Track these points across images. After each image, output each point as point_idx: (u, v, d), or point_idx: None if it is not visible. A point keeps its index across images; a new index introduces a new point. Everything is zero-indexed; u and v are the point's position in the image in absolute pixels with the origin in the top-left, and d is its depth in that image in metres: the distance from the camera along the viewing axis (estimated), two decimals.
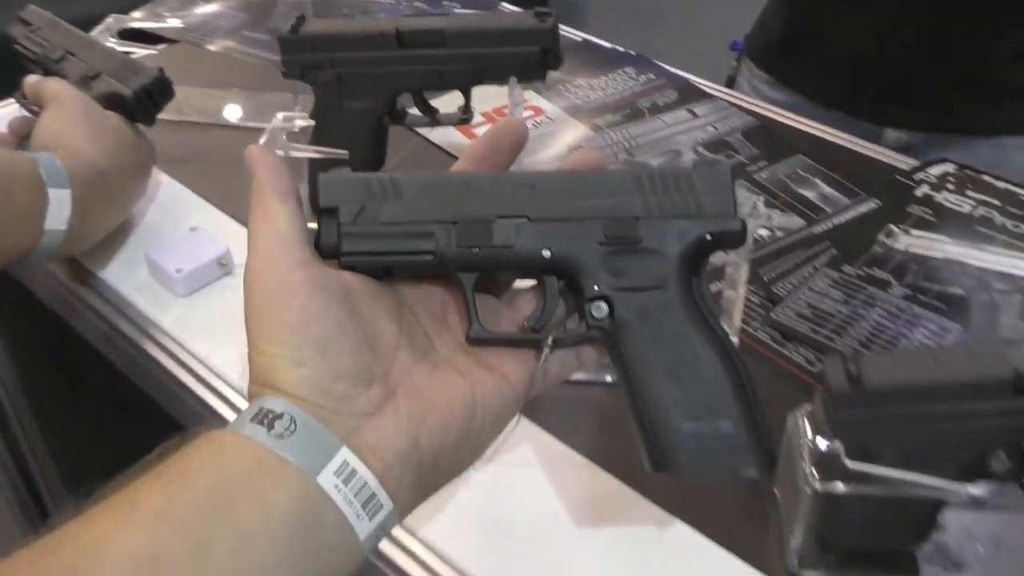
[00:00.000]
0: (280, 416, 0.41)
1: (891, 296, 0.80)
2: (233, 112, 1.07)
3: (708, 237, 0.48)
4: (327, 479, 0.40)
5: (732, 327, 0.74)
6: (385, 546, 0.64)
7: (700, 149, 1.00)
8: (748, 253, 0.73)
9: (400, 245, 0.47)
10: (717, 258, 0.80)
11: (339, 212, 0.46)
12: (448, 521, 0.65)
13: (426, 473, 0.44)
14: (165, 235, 0.88)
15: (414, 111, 0.87)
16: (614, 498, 0.66)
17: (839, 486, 0.57)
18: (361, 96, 0.84)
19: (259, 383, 0.42)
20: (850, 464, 0.57)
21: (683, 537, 0.63)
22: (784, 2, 1.19)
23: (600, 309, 0.48)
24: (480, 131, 1.03)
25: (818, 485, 0.57)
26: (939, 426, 0.54)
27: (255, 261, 0.44)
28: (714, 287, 0.81)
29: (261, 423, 0.41)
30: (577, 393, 0.73)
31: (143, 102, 0.87)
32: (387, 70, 0.82)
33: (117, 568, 0.36)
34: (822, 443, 0.58)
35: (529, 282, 0.51)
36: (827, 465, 0.58)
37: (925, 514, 0.60)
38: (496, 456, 0.69)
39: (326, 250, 0.46)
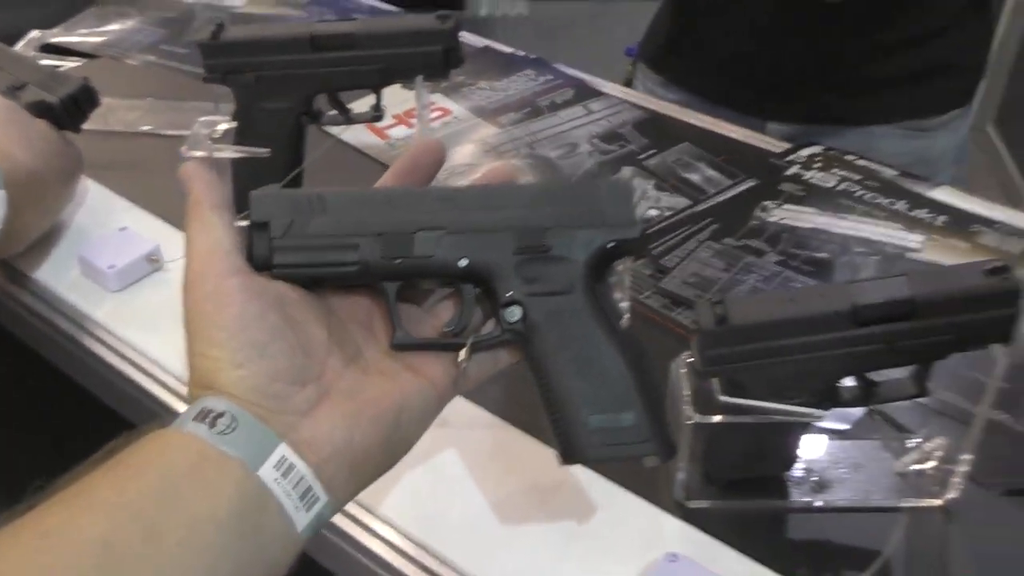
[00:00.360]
0: (221, 414, 0.43)
1: (766, 262, 0.90)
2: (156, 121, 1.12)
3: (610, 245, 0.52)
4: (267, 472, 0.43)
5: (624, 295, 0.82)
6: None
7: (595, 141, 1.09)
8: None
9: (328, 257, 0.50)
10: None
11: (270, 226, 0.49)
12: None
13: (359, 468, 0.47)
14: (95, 236, 0.93)
15: (330, 111, 0.93)
16: (520, 449, 0.74)
17: (714, 418, 0.66)
18: (279, 97, 0.90)
19: (199, 385, 0.45)
20: (723, 398, 0.66)
21: (584, 478, 0.71)
22: (670, 7, 1.29)
23: (514, 313, 0.51)
24: (392, 131, 1.10)
25: (696, 418, 0.65)
26: (794, 358, 0.63)
27: (192, 269, 0.47)
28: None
29: (203, 421, 0.43)
30: None
31: (70, 110, 0.92)
32: (303, 72, 0.88)
33: (74, 553, 0.39)
34: (698, 382, 0.67)
35: (448, 291, 0.55)
36: (704, 401, 0.67)
37: (791, 441, 0.69)
38: None
39: (258, 262, 0.49)
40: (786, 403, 0.65)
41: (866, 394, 0.66)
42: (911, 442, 0.72)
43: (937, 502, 0.69)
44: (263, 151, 0.91)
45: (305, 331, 0.48)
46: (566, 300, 0.52)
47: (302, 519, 0.44)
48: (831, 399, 0.66)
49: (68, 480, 0.42)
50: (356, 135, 1.08)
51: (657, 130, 1.11)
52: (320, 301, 0.50)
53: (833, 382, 0.65)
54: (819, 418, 0.65)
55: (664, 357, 0.74)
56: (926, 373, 0.65)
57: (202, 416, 0.43)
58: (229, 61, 0.87)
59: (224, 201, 0.49)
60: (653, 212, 0.98)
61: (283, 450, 0.44)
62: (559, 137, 1.10)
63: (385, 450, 0.48)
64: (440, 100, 1.16)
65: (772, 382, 0.64)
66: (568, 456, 0.51)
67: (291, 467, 0.44)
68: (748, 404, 0.65)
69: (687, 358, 0.68)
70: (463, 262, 0.51)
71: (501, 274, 0.52)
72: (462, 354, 0.51)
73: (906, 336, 0.62)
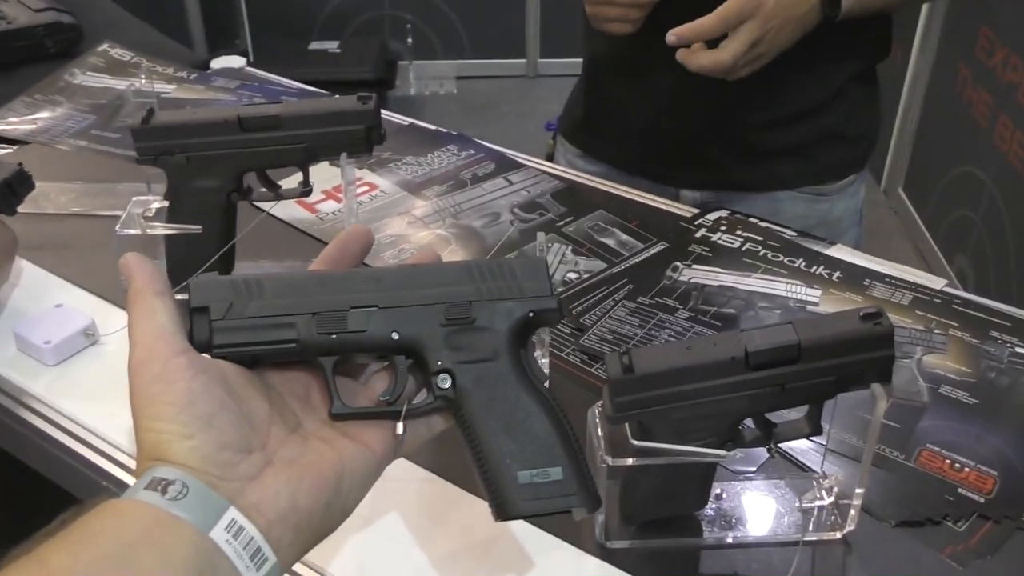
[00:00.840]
0: (172, 482, 0.45)
1: (678, 319, 0.96)
2: (89, 203, 1.15)
3: (530, 315, 0.57)
4: (219, 535, 0.45)
5: (545, 353, 0.87)
6: None
7: (516, 210, 1.15)
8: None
9: (266, 336, 0.53)
10: None
11: (210, 310, 0.53)
12: None
13: (303, 530, 0.49)
14: (31, 313, 0.96)
15: (260, 188, 0.97)
16: (449, 500, 0.77)
17: (627, 461, 0.70)
18: (209, 176, 0.94)
19: (149, 458, 0.47)
20: (634, 442, 0.70)
21: (513, 525, 0.75)
22: (583, 84, 1.36)
23: (445, 380, 0.55)
24: (321, 206, 1.15)
25: (610, 460, 0.70)
26: (695, 402, 0.68)
27: (138, 352, 0.49)
28: None
29: (155, 489, 0.45)
30: None
31: (4, 194, 0.96)
32: (231, 152, 0.92)
33: None
34: (611, 427, 0.71)
35: (382, 364, 0.58)
36: (618, 446, 0.71)
37: (701, 480, 0.74)
38: None
39: (200, 344, 0.52)
40: (692, 445, 0.70)
41: (765, 435, 0.71)
42: (812, 481, 0.77)
43: (837, 535, 0.74)
44: (195, 228, 0.94)
45: (248, 404, 0.51)
46: (492, 366, 0.55)
47: None
48: (733, 440, 0.71)
49: (22, 551, 0.44)
50: (286, 210, 1.12)
51: (573, 199, 1.18)
52: (259, 377, 0.53)
53: (733, 424, 0.70)
54: (723, 458, 0.70)
55: (583, 408, 0.79)
56: (818, 413, 0.70)
57: (154, 485, 0.46)
58: (160, 143, 0.91)
59: (165, 287, 0.52)
60: (572, 275, 1.03)
61: (233, 513, 0.46)
62: (482, 207, 1.16)
63: (327, 513, 0.51)
64: (367, 175, 1.22)
65: (676, 425, 0.69)
66: (501, 512, 0.54)
67: (241, 529, 0.46)
68: (657, 447, 0.70)
69: (599, 406, 0.73)
70: (395, 335, 0.55)
71: (430, 345, 0.55)
72: (399, 426, 0.55)
73: (794, 378, 0.67)
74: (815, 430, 0.71)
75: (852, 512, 0.73)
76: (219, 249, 0.96)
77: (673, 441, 0.70)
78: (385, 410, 0.55)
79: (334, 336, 0.54)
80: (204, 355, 0.51)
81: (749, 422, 0.71)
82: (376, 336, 0.55)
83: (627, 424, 0.70)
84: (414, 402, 0.56)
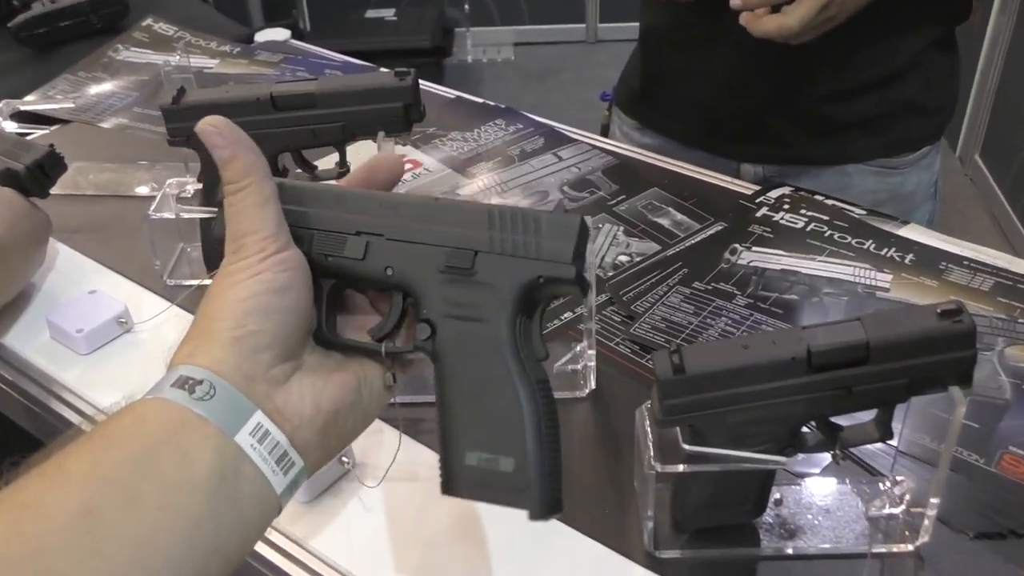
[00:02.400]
0: (200, 382, 0.45)
1: (735, 306, 0.90)
2: (126, 183, 1.12)
3: (540, 280, 0.50)
4: (244, 439, 0.45)
5: (591, 343, 0.82)
6: (284, 563, 0.70)
7: (566, 188, 1.10)
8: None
9: None
10: None
11: None
12: (342, 536, 0.71)
13: (329, 433, 0.50)
14: (64, 299, 0.93)
15: (296, 169, 0.94)
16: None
17: (679, 468, 0.65)
18: None
19: (184, 352, 0.47)
20: (685, 447, 0.65)
21: (557, 532, 0.70)
22: (640, 54, 1.30)
23: (424, 331, 0.51)
24: None
25: (659, 467, 0.65)
26: (752, 405, 0.62)
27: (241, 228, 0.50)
28: (578, 310, 0.90)
29: (182, 388, 0.45)
30: None
31: (36, 176, 0.93)
32: (265, 132, 0.88)
33: (55, 520, 0.40)
34: (660, 430, 0.66)
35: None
36: (668, 453, 0.66)
37: (758, 487, 0.68)
38: (386, 476, 0.76)
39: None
40: (748, 450, 0.64)
41: (830, 439, 0.66)
42: (881, 485, 0.71)
43: (908, 547, 0.68)
44: None
45: (300, 310, 0.50)
46: (480, 328, 0.50)
47: (280, 482, 0.46)
48: (793, 445, 0.65)
49: (43, 455, 0.43)
50: None
51: (626, 176, 1.12)
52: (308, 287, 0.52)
53: (793, 428, 0.64)
54: (782, 465, 0.65)
55: (633, 404, 0.74)
56: (889, 417, 0.64)
57: (180, 383, 0.45)
58: (191, 124, 0.87)
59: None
60: (623, 258, 0.98)
61: (259, 417, 0.46)
62: (530, 185, 1.10)
63: (350, 415, 0.51)
64: (411, 152, 1.17)
65: (731, 430, 0.64)
66: (443, 487, 0.51)
67: (267, 433, 0.46)
68: (710, 452, 0.65)
69: (648, 407, 0.68)
70: (389, 271, 0.52)
71: (422, 290, 0.52)
72: (388, 378, 0.53)
73: (862, 381, 0.62)
74: (885, 435, 0.65)
75: (926, 522, 0.67)
76: None
77: (728, 446, 0.64)
78: (367, 345, 0.53)
79: (329, 259, 0.52)
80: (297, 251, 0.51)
81: (810, 424, 0.65)
82: (371, 268, 0.52)
83: (678, 427, 0.65)
84: (397, 345, 0.53)
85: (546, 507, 0.49)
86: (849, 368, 0.61)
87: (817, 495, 0.72)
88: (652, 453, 0.65)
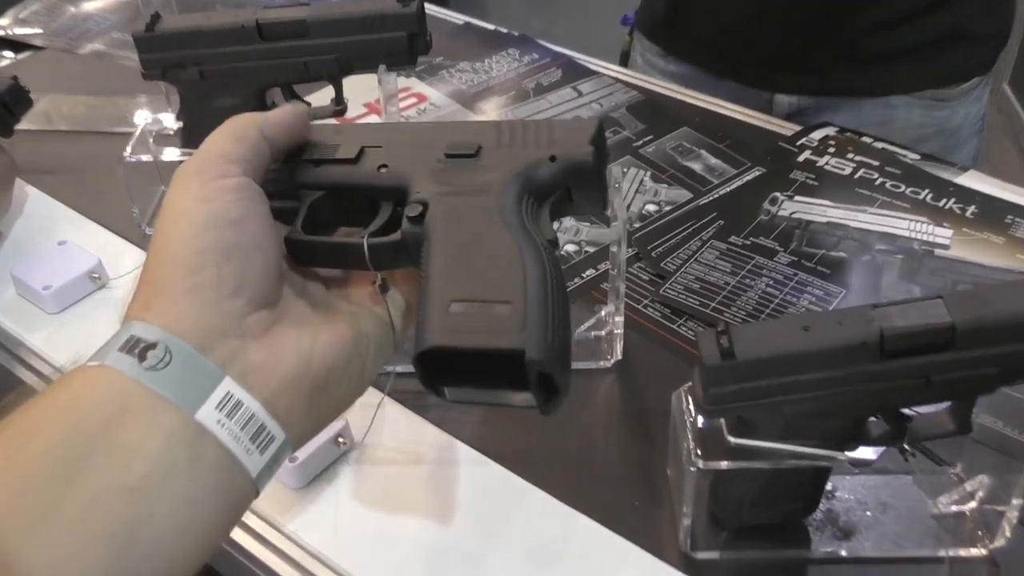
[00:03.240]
0: (153, 346, 0.37)
1: (777, 264, 0.80)
2: (103, 117, 1.02)
3: (552, 159, 0.44)
4: (208, 415, 0.37)
5: (619, 306, 0.73)
6: (273, 560, 0.62)
7: None
8: (624, 229, 0.72)
9: None
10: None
11: None
12: (338, 529, 0.63)
13: (318, 395, 0.41)
14: (32, 250, 0.84)
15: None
16: (507, 490, 0.65)
17: (722, 464, 0.57)
18: (227, 94, 0.80)
19: (139, 304, 0.39)
20: (731, 439, 0.57)
21: (579, 526, 0.62)
22: None
23: (414, 208, 0.44)
24: (361, 122, 1.01)
25: (701, 463, 0.56)
26: (814, 394, 0.54)
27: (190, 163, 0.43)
28: (601, 267, 0.81)
29: (131, 353, 0.37)
30: None
31: None
32: (251, 65, 0.79)
33: None
34: (702, 420, 0.58)
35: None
36: (710, 442, 0.58)
37: (811, 484, 0.60)
38: (387, 456, 0.67)
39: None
40: (804, 444, 0.56)
41: (896, 431, 0.57)
42: (950, 478, 0.63)
43: (982, 552, 0.60)
44: None
45: (270, 250, 0.42)
46: (475, 200, 0.43)
47: (256, 463, 0.38)
48: (856, 438, 0.57)
49: None
50: None
51: (654, 113, 1.01)
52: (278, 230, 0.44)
53: (858, 421, 0.56)
54: (843, 461, 0.56)
55: (665, 379, 0.66)
56: (969, 407, 0.56)
57: (130, 347, 0.37)
58: (167, 55, 0.78)
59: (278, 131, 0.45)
60: (651, 207, 0.88)
61: (228, 385, 0.38)
62: None
63: (346, 374, 0.43)
64: (415, 85, 1.07)
65: (786, 422, 0.55)
66: (418, 340, 0.39)
67: (238, 404, 0.38)
68: (760, 446, 0.56)
69: (688, 391, 0.59)
70: (383, 170, 0.46)
71: (416, 178, 0.45)
72: (378, 282, 0.46)
73: (944, 369, 0.53)
74: (963, 427, 0.56)
75: (1004, 523, 0.59)
76: None
77: (781, 439, 0.56)
78: (346, 241, 0.45)
79: (319, 166, 0.46)
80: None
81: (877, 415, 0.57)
82: (364, 169, 0.46)
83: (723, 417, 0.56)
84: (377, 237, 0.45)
85: (549, 355, 0.37)
86: (929, 355, 0.52)
87: (874, 488, 0.64)
88: (692, 446, 0.57)
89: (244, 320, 0.40)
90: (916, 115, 1.08)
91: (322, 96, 0.84)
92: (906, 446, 0.57)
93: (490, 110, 1.03)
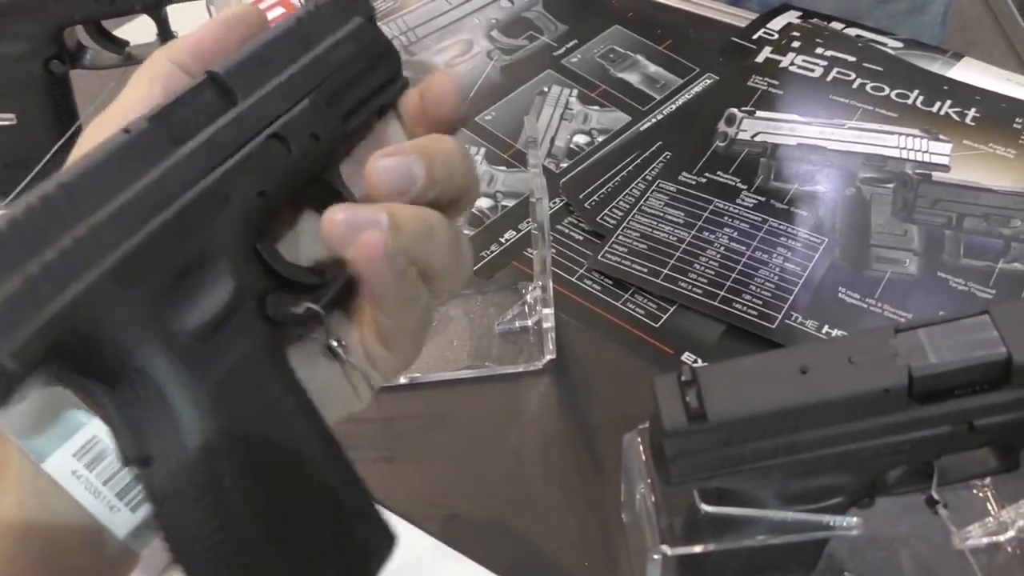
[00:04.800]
0: None
1: (741, 207, 0.64)
2: None
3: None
4: (60, 464, 0.29)
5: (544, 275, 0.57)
6: None
7: (495, 34, 0.80)
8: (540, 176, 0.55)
9: None
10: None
11: None
12: None
13: None
14: None
15: (94, 47, 0.64)
16: (435, 561, 0.50)
17: (697, 548, 0.42)
18: (12, 37, 0.61)
19: None
20: (704, 507, 0.42)
21: None
22: None
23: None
24: None
25: (668, 551, 0.42)
26: (816, 455, 0.39)
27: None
28: (524, 226, 0.64)
29: None
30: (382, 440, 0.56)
31: None
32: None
33: None
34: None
35: None
36: (679, 501, 0.43)
37: (811, 550, 0.46)
38: None
39: None
40: (805, 508, 0.42)
41: (922, 475, 0.43)
42: (976, 501, 0.49)
43: None
44: (6, 117, 0.62)
45: None
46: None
47: (123, 523, 0.30)
48: (872, 494, 0.42)
49: None
50: None
51: (577, 10, 0.82)
52: None
53: (875, 478, 0.41)
54: (853, 530, 0.42)
55: (611, 378, 0.54)
56: (1021, 445, 0.41)
57: None
58: None
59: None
60: (581, 138, 0.71)
61: (95, 428, 0.30)
62: (445, 32, 0.81)
63: None
64: None
65: (781, 488, 0.41)
66: None
67: (103, 452, 0.30)
68: (744, 515, 0.42)
69: (643, 433, 0.44)
70: None
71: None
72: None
73: (994, 412, 0.38)
74: (1010, 464, 0.42)
75: None
76: (53, 142, 0.65)
77: (775, 505, 0.41)
78: None
79: None
80: None
81: None
82: None
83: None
84: None
85: None
86: (975, 395, 0.38)
87: (885, 520, 0.50)
88: (654, 522, 0.42)
89: None
90: None
91: (141, 32, 0.65)
92: (934, 494, 0.43)
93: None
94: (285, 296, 0.30)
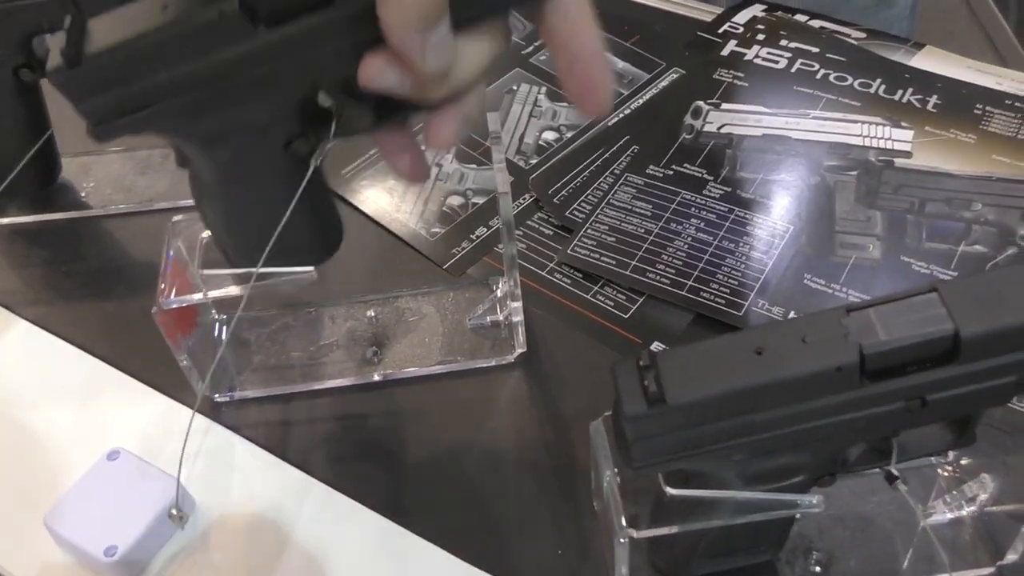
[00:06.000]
0: None
1: (707, 198, 0.65)
2: None
3: None
4: None
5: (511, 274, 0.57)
6: None
7: None
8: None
9: None
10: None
11: None
12: None
13: None
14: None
15: None
16: (393, 549, 0.51)
17: (663, 530, 0.43)
18: None
19: None
20: (669, 490, 0.43)
21: None
22: None
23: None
24: None
25: (634, 534, 0.42)
26: (773, 434, 0.40)
27: None
28: (495, 223, 0.65)
29: None
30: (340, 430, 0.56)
31: None
32: (4, 5, 0.60)
33: None
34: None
35: None
36: (644, 488, 0.44)
37: (777, 529, 0.47)
38: (238, 519, 0.53)
39: None
40: (766, 488, 0.42)
41: (881, 452, 0.44)
42: (939, 475, 0.50)
43: (988, 570, 0.48)
44: None
45: None
46: None
47: None
48: (831, 471, 0.43)
49: None
50: None
51: None
52: None
53: (834, 455, 0.42)
54: (816, 508, 0.43)
55: (583, 370, 0.55)
56: (975, 419, 0.42)
57: None
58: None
59: None
60: (550, 135, 0.72)
61: None
62: None
63: None
64: None
65: (741, 467, 0.41)
66: None
67: None
68: (707, 496, 0.43)
69: (606, 426, 0.45)
70: None
71: None
72: None
73: (945, 386, 0.39)
74: (966, 439, 0.43)
75: (1015, 536, 0.47)
76: (25, 151, 0.66)
77: (738, 486, 0.42)
78: None
79: None
80: None
81: None
82: None
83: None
84: None
85: None
86: (925, 372, 0.39)
87: (850, 499, 0.51)
88: (618, 508, 0.43)
89: None
90: None
91: None
92: (893, 469, 0.44)
93: None
94: None
